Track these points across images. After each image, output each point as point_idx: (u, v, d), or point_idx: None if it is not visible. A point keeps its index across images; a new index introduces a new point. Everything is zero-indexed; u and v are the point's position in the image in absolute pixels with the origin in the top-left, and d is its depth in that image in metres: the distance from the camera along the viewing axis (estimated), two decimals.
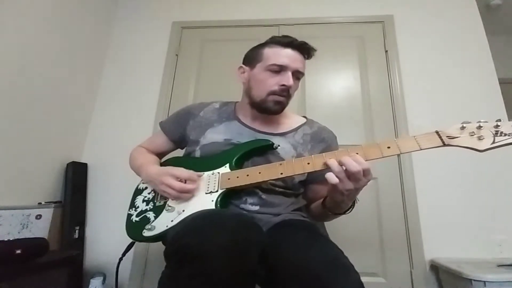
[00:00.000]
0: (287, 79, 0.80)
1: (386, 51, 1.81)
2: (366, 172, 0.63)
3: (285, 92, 0.82)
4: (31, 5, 1.44)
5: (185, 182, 0.75)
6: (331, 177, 0.63)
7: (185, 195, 0.75)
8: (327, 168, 0.65)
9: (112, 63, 1.99)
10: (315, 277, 0.54)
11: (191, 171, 0.77)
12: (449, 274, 1.27)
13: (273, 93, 0.82)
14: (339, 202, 0.71)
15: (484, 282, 1.07)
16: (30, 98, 1.43)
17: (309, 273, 0.55)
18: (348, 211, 0.76)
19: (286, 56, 0.81)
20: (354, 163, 0.62)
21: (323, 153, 0.70)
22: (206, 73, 1.90)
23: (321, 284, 0.53)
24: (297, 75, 0.84)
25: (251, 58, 0.87)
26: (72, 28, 1.70)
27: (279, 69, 0.81)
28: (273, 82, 0.82)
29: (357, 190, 0.66)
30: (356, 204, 0.76)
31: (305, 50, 0.84)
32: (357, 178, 0.63)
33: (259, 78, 0.84)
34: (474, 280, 1.09)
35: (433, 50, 1.78)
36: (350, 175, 0.62)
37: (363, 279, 0.57)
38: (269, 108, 0.84)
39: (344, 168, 0.63)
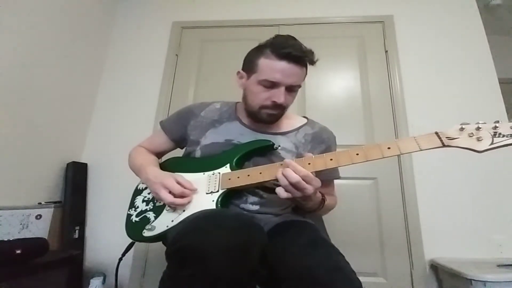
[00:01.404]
0: (279, 96, 0.78)
1: (386, 51, 1.82)
2: (307, 179, 0.65)
3: (277, 107, 0.81)
4: (31, 5, 1.44)
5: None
6: (279, 191, 0.66)
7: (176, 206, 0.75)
8: (276, 180, 0.68)
9: (112, 63, 1.99)
10: (317, 282, 0.55)
11: (188, 184, 0.75)
12: (449, 274, 1.27)
13: (265, 107, 0.81)
14: (302, 206, 0.76)
15: (484, 282, 1.07)
16: (30, 98, 1.43)
17: (311, 278, 0.55)
18: (318, 209, 0.81)
19: (279, 71, 0.76)
20: (293, 174, 0.64)
21: (324, 154, 0.70)
22: (206, 73, 1.90)
23: None
24: (292, 88, 0.80)
25: (248, 66, 0.84)
26: (72, 28, 1.70)
27: (271, 85, 0.78)
28: (265, 97, 0.80)
29: (308, 196, 0.68)
30: (325, 202, 0.81)
31: (303, 63, 0.79)
32: (301, 187, 0.64)
33: (252, 90, 0.82)
34: (474, 280, 1.09)
35: (433, 50, 1.78)
36: (294, 185, 0.64)
37: (363, 279, 0.57)
38: (263, 120, 0.84)
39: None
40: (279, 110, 0.82)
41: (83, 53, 1.79)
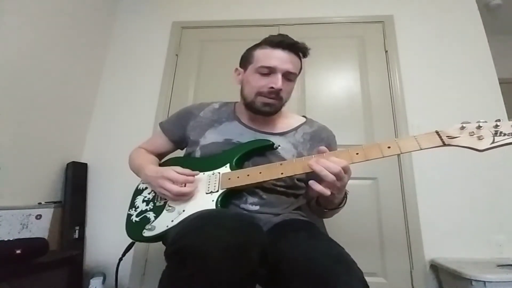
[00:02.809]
0: (276, 81, 0.79)
1: (386, 51, 1.82)
2: (345, 169, 0.65)
3: (273, 94, 0.81)
4: (31, 6, 1.44)
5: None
6: (321, 190, 0.64)
7: (183, 197, 0.75)
8: (312, 172, 0.67)
9: (112, 63, 1.99)
10: (319, 273, 0.54)
11: (188, 171, 0.77)
12: (449, 274, 1.27)
13: (260, 94, 0.82)
14: (331, 199, 0.73)
15: (484, 282, 1.07)
16: (30, 98, 1.43)
17: (314, 270, 0.55)
18: (342, 205, 0.79)
19: (275, 57, 0.80)
20: (334, 165, 0.63)
21: (324, 153, 0.70)
22: (206, 73, 1.90)
23: (326, 280, 0.53)
24: (288, 76, 0.82)
25: (244, 60, 0.88)
26: (72, 28, 1.70)
27: (268, 71, 0.80)
28: (262, 84, 0.81)
29: (343, 187, 0.68)
30: (347, 196, 0.79)
31: (297, 50, 0.82)
32: (341, 177, 0.64)
33: (249, 80, 0.84)
34: (474, 280, 1.09)
35: (433, 50, 1.78)
36: (336, 175, 0.64)
37: None
38: (258, 109, 0.84)
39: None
40: (276, 99, 0.82)
41: (83, 53, 1.79)
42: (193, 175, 0.77)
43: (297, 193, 0.87)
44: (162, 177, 0.75)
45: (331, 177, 0.63)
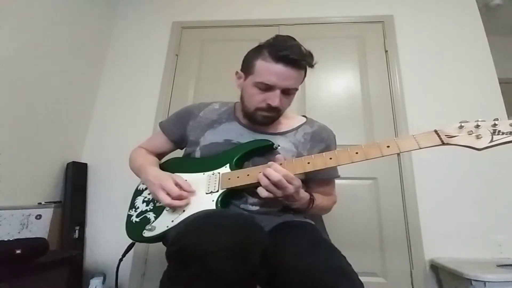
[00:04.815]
0: (274, 99, 0.77)
1: (386, 51, 1.82)
2: (288, 179, 0.66)
3: (272, 110, 0.80)
4: (31, 6, 1.44)
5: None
6: (261, 191, 0.68)
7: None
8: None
9: (112, 63, 1.99)
10: (317, 283, 0.55)
11: (186, 185, 0.76)
12: (449, 274, 1.27)
13: (260, 109, 0.81)
14: (289, 206, 0.77)
15: (484, 282, 1.07)
16: (30, 98, 1.43)
17: (313, 280, 0.55)
18: (309, 208, 0.80)
19: (275, 73, 0.75)
20: (275, 173, 0.65)
21: (323, 153, 0.70)
22: (206, 73, 1.91)
23: None
24: (288, 91, 0.79)
25: (246, 67, 0.83)
26: (72, 28, 1.70)
27: (267, 88, 0.77)
28: (260, 99, 0.79)
29: (291, 196, 0.69)
30: (314, 202, 0.80)
31: (301, 66, 0.78)
32: (282, 186, 0.66)
33: (248, 92, 0.82)
34: (474, 280, 1.09)
35: (433, 50, 1.78)
36: (275, 184, 0.66)
37: (363, 279, 0.57)
38: (258, 121, 0.84)
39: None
40: (274, 112, 0.82)
41: (83, 53, 1.79)
42: (189, 191, 0.75)
43: None
44: (158, 185, 0.75)
45: (264, 181, 0.67)
